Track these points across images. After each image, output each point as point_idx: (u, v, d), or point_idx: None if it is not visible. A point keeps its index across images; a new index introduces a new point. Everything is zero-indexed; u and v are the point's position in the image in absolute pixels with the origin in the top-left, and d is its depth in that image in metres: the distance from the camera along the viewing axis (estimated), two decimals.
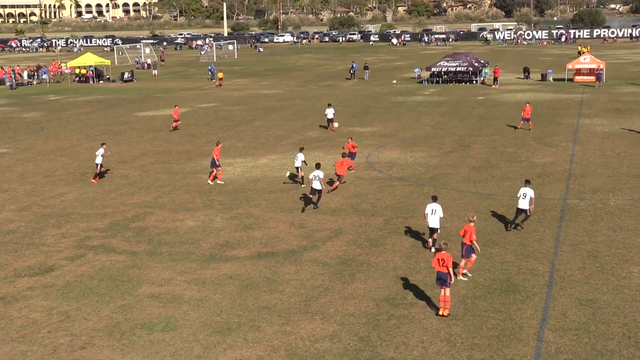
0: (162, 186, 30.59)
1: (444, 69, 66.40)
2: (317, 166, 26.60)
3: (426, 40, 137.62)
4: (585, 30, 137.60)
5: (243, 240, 23.27)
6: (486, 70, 68.91)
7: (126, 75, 77.79)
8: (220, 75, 72.70)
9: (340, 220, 25.25)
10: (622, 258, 20.72)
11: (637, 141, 37.25)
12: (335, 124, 42.22)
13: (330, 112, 42.61)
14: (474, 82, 66.32)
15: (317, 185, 25.95)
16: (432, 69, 67.12)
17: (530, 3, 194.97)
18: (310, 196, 26.59)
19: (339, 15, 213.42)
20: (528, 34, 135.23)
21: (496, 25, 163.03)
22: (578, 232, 23.19)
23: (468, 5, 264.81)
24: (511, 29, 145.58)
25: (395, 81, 70.68)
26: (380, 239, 22.99)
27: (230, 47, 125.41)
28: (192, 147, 38.98)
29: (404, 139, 39.87)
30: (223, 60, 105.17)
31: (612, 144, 36.86)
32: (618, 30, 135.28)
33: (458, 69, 65.72)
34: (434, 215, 21.34)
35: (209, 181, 30.66)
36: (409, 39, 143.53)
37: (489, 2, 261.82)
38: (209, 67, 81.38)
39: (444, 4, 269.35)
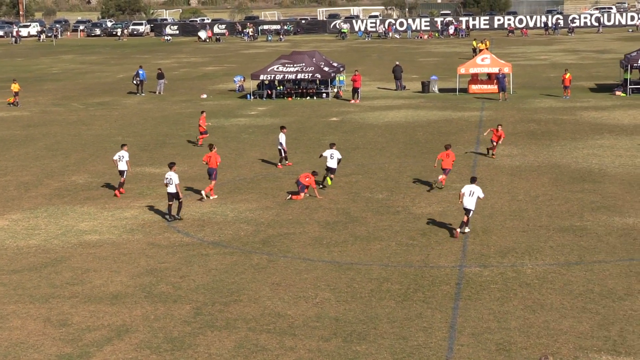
0: None
1: (279, 77, 67.56)
2: (171, 166, 33.47)
3: (251, 33, 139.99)
4: (482, 18, 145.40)
5: None
6: (342, 78, 70.86)
7: None
8: None
9: (124, 311, 24.85)
10: (546, 351, 21.74)
11: (559, 178, 39.59)
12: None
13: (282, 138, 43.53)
14: (325, 95, 67.97)
15: (172, 189, 31.81)
16: (262, 77, 68.05)
17: None
18: (170, 203, 32.03)
19: None
20: (401, 24, 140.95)
21: (355, 10, 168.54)
22: (482, 315, 24.11)
23: None
24: (377, 17, 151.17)
25: (205, 95, 71.13)
26: (189, 339, 22.82)
27: None
28: None
29: (221, 183, 40.01)
30: None
31: (525, 183, 38.90)
32: (528, 17, 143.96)
33: (300, 76, 67.07)
34: (471, 196, 30.61)
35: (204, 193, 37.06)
36: (226, 31, 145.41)
37: None
38: None
39: None
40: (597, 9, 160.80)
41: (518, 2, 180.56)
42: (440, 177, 38.06)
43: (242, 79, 73.83)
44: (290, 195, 37.07)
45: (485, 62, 67.32)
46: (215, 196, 37.66)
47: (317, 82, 68.45)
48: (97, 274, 28.14)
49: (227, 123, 57.38)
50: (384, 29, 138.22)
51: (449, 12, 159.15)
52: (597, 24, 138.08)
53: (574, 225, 32.37)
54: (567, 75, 63.99)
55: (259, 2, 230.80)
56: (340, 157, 39.05)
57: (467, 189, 30.95)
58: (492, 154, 44.42)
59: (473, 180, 31.47)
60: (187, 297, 25.96)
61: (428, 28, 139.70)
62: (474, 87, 68.27)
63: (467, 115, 57.85)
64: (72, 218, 34.99)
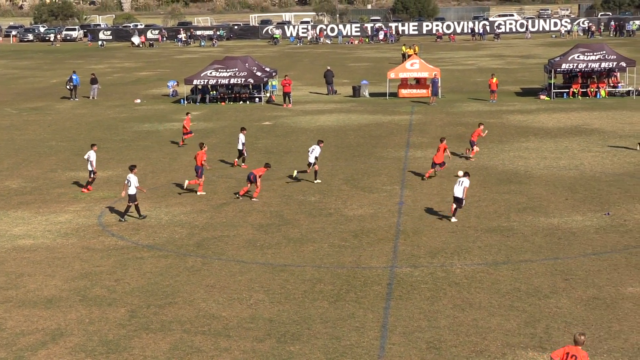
0: None
1: (213, 82, 67.48)
2: (131, 168, 34.19)
3: (184, 39, 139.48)
4: (411, 24, 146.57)
5: None
6: (274, 83, 71.01)
7: None
8: None
9: (59, 315, 24.59)
10: (474, 348, 21.95)
11: (486, 180, 40.00)
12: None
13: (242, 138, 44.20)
14: (257, 100, 67.99)
15: (132, 190, 33.56)
16: (195, 82, 67.96)
17: None
18: (129, 204, 33.53)
19: (48, 0, 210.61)
20: (332, 30, 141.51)
21: (287, 16, 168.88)
22: (413, 314, 24.29)
23: None
24: (308, 22, 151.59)
25: (139, 100, 70.68)
26: (124, 342, 22.65)
27: None
28: None
29: (156, 187, 39.84)
30: None
31: (454, 185, 39.20)
32: (455, 24, 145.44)
33: (233, 81, 67.09)
34: (459, 185, 32.73)
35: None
36: (159, 37, 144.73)
37: None
38: None
39: None
40: (525, 17, 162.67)
41: (445, 8, 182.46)
42: (438, 168, 40.53)
43: (176, 84, 73.54)
44: (238, 195, 37.50)
45: (414, 67, 68.00)
46: (204, 192, 38.43)
47: (250, 86, 68.61)
48: (32, 278, 27.81)
49: (161, 127, 57.06)
50: (315, 35, 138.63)
51: (378, 18, 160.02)
52: (522, 30, 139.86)
53: (501, 225, 32.73)
54: (494, 80, 64.76)
55: (192, 7, 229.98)
56: (317, 154, 39.76)
57: (459, 180, 33.22)
58: (469, 155, 45.02)
59: (466, 174, 33.64)
60: (122, 300, 25.78)
61: (358, 34, 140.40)
62: (404, 92, 68.79)
63: (398, 119, 58.20)
64: (5, 223, 34.53)
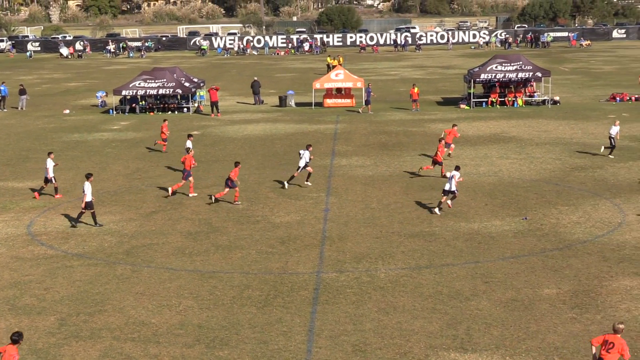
0: None
1: (142, 92, 67.00)
2: (87, 176, 34.32)
3: (113, 50, 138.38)
4: (336, 36, 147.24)
5: None
6: (202, 93, 70.76)
7: None
8: None
9: None
10: (398, 351, 22.11)
11: (410, 186, 40.32)
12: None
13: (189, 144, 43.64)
14: (186, 109, 67.72)
15: (88, 198, 33.69)
16: (124, 93, 67.40)
17: None
18: (83, 211, 33.98)
19: None
20: (259, 41, 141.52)
21: (214, 28, 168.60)
22: (339, 318, 24.39)
23: (172, 0, 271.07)
24: (235, 34, 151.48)
25: (67, 111, 69.91)
26: (54, 350, 22.39)
27: None
28: None
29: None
30: None
31: (378, 192, 39.49)
32: (379, 35, 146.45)
33: (161, 91, 66.67)
34: (450, 179, 34.63)
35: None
36: (88, 48, 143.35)
37: None
38: None
39: None
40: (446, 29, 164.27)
41: (369, 20, 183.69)
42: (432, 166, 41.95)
43: (105, 95, 72.93)
44: (213, 198, 37.76)
45: (339, 77, 68.37)
46: (195, 194, 39.12)
47: (179, 97, 68.23)
48: None
49: (90, 137, 56.51)
50: (242, 46, 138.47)
51: (304, 29, 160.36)
52: (443, 42, 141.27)
53: (424, 230, 33.00)
54: (415, 90, 65.32)
55: (120, 19, 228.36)
56: (307, 159, 40.26)
57: (450, 174, 35.47)
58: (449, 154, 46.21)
59: (457, 168, 35.79)
60: (51, 308, 25.47)
61: (284, 45, 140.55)
62: (330, 101, 69.04)
63: (323, 128, 58.37)
64: None
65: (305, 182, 40.71)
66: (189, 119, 63.97)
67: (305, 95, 73.79)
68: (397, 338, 22.89)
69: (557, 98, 67.64)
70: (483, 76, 66.03)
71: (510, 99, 67.02)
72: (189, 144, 43.16)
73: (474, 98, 66.99)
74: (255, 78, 74.36)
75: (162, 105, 67.89)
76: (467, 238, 31.92)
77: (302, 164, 40.18)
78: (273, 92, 77.73)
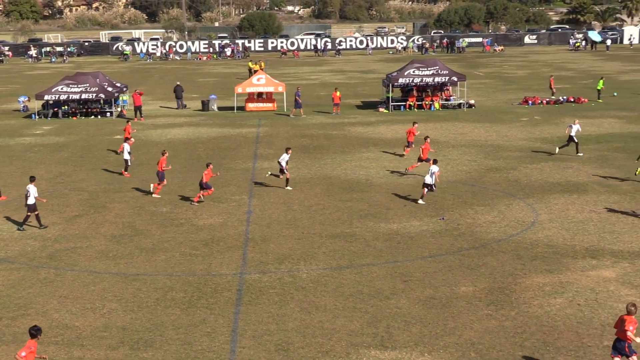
0: None
1: (64, 97, 66.20)
2: (31, 179, 34.43)
3: (34, 55, 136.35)
4: (257, 41, 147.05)
5: None
6: (125, 98, 70.14)
7: None
8: None
9: None
10: (320, 349, 22.20)
11: (330, 188, 40.45)
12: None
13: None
14: (109, 114, 67.05)
15: (31, 200, 33.61)
16: (46, 97, 66.55)
17: (182, 3, 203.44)
18: (28, 214, 33.80)
19: None
20: (181, 46, 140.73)
21: (137, 33, 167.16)
22: (262, 318, 24.40)
23: (94, 6, 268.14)
24: (158, 39, 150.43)
25: None
26: None
27: None
28: None
29: (7, 201, 38.89)
30: None
31: (300, 194, 39.56)
32: (299, 40, 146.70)
33: (84, 96, 65.96)
34: (430, 173, 36.50)
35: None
36: (9, 53, 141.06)
37: (124, 0, 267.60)
38: None
39: (59, 3, 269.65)
40: (365, 34, 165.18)
41: (289, 26, 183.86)
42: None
43: (27, 99, 71.83)
44: (199, 195, 38.09)
45: (260, 82, 68.44)
46: (159, 196, 39.19)
47: (101, 101, 67.53)
48: None
49: (12, 142, 55.60)
50: (165, 51, 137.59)
51: (226, 35, 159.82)
52: (362, 47, 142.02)
53: (345, 231, 33.14)
54: (338, 94, 65.58)
55: (42, 24, 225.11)
56: (286, 160, 40.60)
57: (430, 168, 37.14)
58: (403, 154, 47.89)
59: (435, 162, 37.42)
60: None
61: (207, 50, 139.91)
62: (251, 105, 68.99)
63: (245, 132, 58.27)
64: None
65: (286, 187, 40.52)
66: (112, 123, 63.32)
67: (227, 99, 73.62)
68: (319, 337, 22.96)
69: (472, 102, 68.52)
70: (401, 80, 66.56)
71: (427, 102, 67.65)
72: (127, 147, 44.06)
73: (392, 102, 67.48)
74: (178, 83, 74.04)
75: (85, 110, 67.12)
76: (386, 238, 32.14)
77: (283, 164, 40.49)
78: (196, 97, 77.33)
